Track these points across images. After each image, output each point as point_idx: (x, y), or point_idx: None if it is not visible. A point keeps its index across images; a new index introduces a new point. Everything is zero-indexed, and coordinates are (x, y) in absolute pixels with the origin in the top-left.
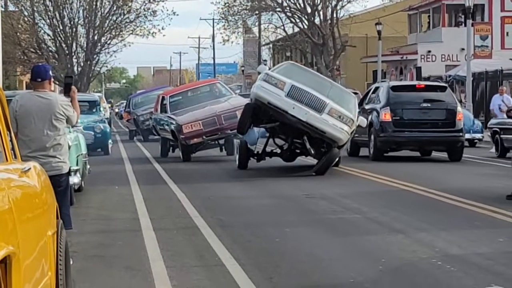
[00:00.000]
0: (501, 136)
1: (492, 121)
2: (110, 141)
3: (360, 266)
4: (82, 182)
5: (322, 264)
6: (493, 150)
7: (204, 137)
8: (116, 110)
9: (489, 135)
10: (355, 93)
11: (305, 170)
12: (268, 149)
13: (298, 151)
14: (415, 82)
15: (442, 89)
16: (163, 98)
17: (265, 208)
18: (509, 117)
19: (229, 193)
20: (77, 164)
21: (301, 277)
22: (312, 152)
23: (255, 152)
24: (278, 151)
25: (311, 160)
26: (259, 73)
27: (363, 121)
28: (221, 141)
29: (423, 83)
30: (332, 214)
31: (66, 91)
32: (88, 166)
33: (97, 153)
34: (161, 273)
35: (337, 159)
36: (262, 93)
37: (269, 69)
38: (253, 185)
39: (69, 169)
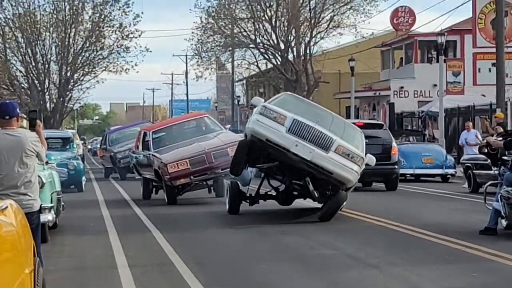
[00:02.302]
0: (474, 171)
1: (465, 156)
2: (83, 178)
3: None
4: (57, 219)
5: None
6: (466, 185)
7: (191, 177)
8: (89, 147)
9: (462, 170)
10: (380, 125)
11: (306, 215)
12: (262, 191)
13: (296, 193)
14: (355, 121)
15: (379, 126)
16: (145, 134)
17: (241, 244)
18: (481, 153)
19: (219, 242)
20: (51, 202)
21: None
22: (316, 195)
23: (248, 194)
24: (274, 193)
25: (309, 202)
26: (252, 106)
27: (371, 159)
28: (210, 181)
29: (363, 121)
30: (309, 250)
31: (31, 126)
32: (62, 203)
33: (71, 190)
34: None
35: (344, 203)
36: (259, 129)
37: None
38: (245, 231)
39: (40, 206)
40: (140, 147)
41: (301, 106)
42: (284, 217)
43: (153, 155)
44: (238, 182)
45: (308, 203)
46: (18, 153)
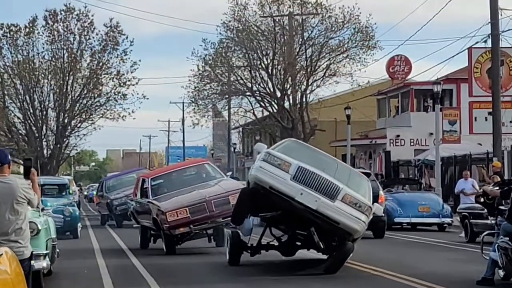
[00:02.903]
0: (471, 221)
1: (461, 205)
2: (79, 224)
3: None
4: (51, 266)
5: None
6: (463, 235)
7: (191, 226)
8: (85, 193)
9: (459, 219)
10: (367, 174)
11: (310, 266)
12: (264, 241)
13: (299, 243)
14: None
15: (367, 175)
16: (143, 181)
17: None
18: (477, 202)
19: None
20: (46, 248)
21: None
22: (322, 246)
23: (249, 244)
24: (276, 243)
25: (312, 253)
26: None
27: (379, 209)
28: (210, 230)
29: None
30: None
31: (26, 174)
32: (57, 250)
33: (66, 237)
34: None
35: (351, 255)
36: (262, 176)
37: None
38: (245, 283)
39: (31, 253)
40: (139, 195)
41: (305, 152)
42: (286, 268)
43: (151, 202)
44: (239, 232)
45: (312, 254)
46: (9, 200)
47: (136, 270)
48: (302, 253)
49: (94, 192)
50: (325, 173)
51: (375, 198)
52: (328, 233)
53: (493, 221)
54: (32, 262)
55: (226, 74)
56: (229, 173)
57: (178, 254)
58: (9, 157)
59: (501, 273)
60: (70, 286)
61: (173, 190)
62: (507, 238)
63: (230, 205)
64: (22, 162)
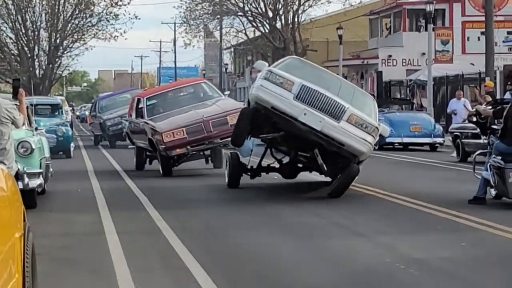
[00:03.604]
0: (462, 140)
1: (453, 125)
2: (72, 144)
3: (323, 270)
4: (45, 185)
5: (285, 268)
6: (454, 154)
7: (188, 147)
8: (78, 114)
9: (450, 139)
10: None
11: (312, 189)
12: (264, 163)
13: (301, 165)
14: None
15: None
16: (138, 101)
17: (234, 214)
18: (469, 121)
19: (212, 212)
20: (40, 167)
21: (264, 280)
22: (326, 169)
23: (249, 166)
24: (277, 165)
25: (315, 176)
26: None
27: (385, 130)
28: (207, 152)
29: None
30: (296, 217)
31: (14, 94)
32: (51, 169)
33: (59, 156)
34: (126, 276)
35: (356, 177)
36: (264, 95)
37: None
38: (242, 203)
39: (16, 173)
40: (134, 115)
41: (308, 70)
42: (287, 191)
43: (147, 123)
44: (239, 153)
45: (314, 176)
46: None
47: (132, 193)
48: (304, 175)
49: (87, 113)
50: (329, 92)
51: None
52: (333, 155)
53: (485, 141)
54: (26, 180)
55: None
56: (227, 93)
57: (175, 176)
58: None
59: (493, 192)
60: (63, 205)
61: (169, 110)
62: (500, 157)
63: (229, 125)
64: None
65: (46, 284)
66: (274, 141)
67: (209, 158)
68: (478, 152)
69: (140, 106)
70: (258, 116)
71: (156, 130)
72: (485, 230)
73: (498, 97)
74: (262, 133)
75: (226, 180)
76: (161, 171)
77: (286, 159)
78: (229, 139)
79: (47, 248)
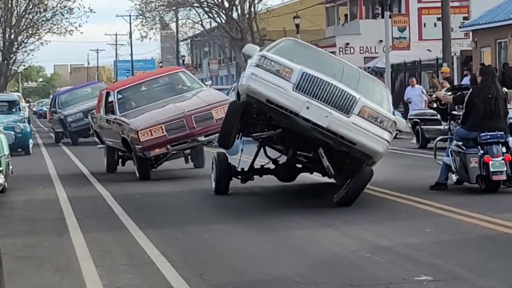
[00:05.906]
0: (422, 127)
1: (412, 112)
2: (30, 140)
3: (290, 260)
4: (6, 183)
5: (252, 260)
6: (414, 141)
7: (168, 146)
8: (34, 109)
9: (409, 126)
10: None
11: (313, 193)
12: (257, 163)
13: (300, 166)
14: None
15: None
16: (108, 94)
17: (191, 206)
18: (430, 108)
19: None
20: (0, 165)
21: (231, 273)
22: (333, 172)
23: (239, 169)
24: (272, 166)
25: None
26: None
27: (402, 123)
28: (187, 150)
29: None
30: (259, 210)
31: None
32: (11, 167)
33: (18, 153)
34: (91, 273)
35: (369, 182)
36: (257, 86)
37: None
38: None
39: None
40: (103, 111)
41: (307, 53)
42: (285, 197)
43: (119, 120)
44: (226, 153)
45: (316, 177)
46: None
47: (106, 203)
48: (303, 176)
49: (44, 108)
50: (336, 80)
51: None
52: (340, 155)
53: (445, 127)
54: None
55: None
56: (209, 83)
57: (153, 179)
58: None
59: (454, 177)
60: (25, 202)
61: (144, 104)
62: (461, 143)
63: (214, 120)
64: None
65: (12, 282)
66: (269, 139)
67: (189, 157)
68: (439, 138)
69: (110, 100)
70: (249, 111)
71: (131, 128)
72: (448, 216)
73: (456, 82)
74: (255, 131)
75: (213, 185)
76: (137, 174)
77: (282, 159)
78: (215, 136)
79: (10, 247)
